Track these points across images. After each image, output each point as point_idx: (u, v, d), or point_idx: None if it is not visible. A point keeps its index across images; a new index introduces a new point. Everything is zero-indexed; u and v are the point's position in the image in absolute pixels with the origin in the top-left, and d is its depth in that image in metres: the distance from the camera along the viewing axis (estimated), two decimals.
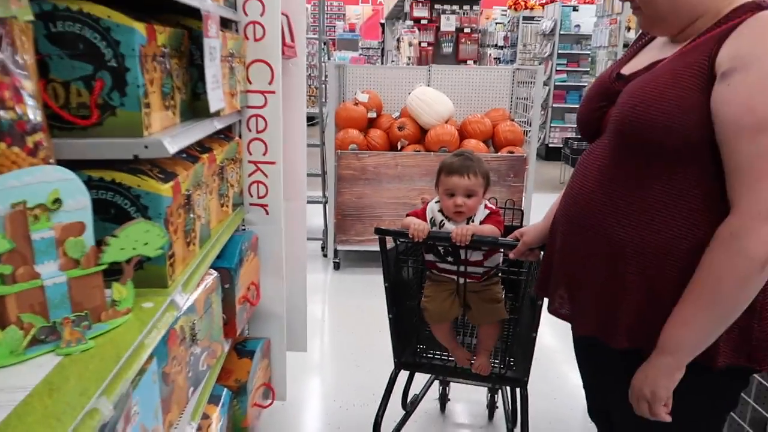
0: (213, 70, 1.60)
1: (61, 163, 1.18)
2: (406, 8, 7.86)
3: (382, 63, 13.64)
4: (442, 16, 7.12)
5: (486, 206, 1.98)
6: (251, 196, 2.22)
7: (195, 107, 1.69)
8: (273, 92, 2.13)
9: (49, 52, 1.23)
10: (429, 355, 2.20)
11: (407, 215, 2.01)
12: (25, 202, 1.10)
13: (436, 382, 2.81)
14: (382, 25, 13.86)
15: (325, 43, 4.97)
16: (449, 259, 1.97)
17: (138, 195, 1.33)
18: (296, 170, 2.52)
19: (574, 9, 9.47)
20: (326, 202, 4.79)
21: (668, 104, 1.11)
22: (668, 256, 1.16)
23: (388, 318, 2.17)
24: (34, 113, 1.16)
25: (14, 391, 0.97)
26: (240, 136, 2.17)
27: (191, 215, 1.57)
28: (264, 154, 2.18)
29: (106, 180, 1.32)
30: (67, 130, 1.27)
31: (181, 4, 1.46)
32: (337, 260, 4.59)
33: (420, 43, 7.11)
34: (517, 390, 2.21)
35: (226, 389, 1.95)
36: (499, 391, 2.73)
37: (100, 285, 1.20)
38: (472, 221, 1.95)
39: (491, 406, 2.79)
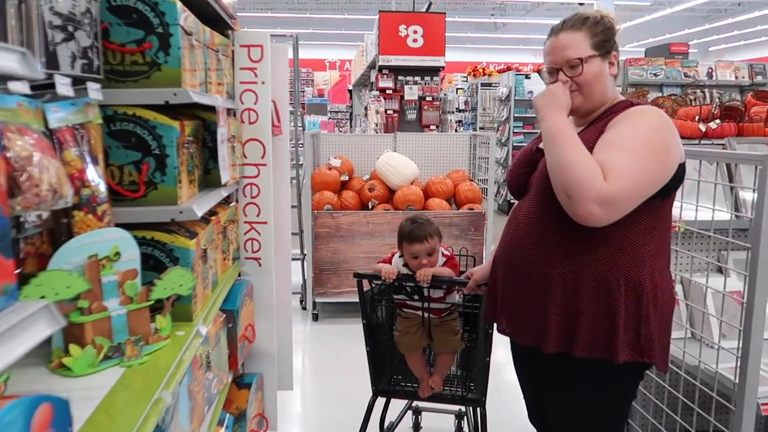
0: (223, 151, 2.05)
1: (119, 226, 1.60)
2: (372, 78, 8.53)
3: (350, 126, 14.28)
4: (406, 86, 7.78)
5: (443, 254, 2.43)
6: (246, 251, 2.64)
7: (207, 180, 2.12)
8: (265, 164, 2.58)
9: (108, 145, 1.67)
10: (401, 384, 2.59)
11: (378, 263, 2.45)
12: (96, 254, 1.51)
13: (410, 413, 3.17)
14: (350, 91, 14.60)
15: (299, 111, 5.49)
16: (416, 297, 2.39)
17: (171, 249, 1.74)
18: (282, 229, 2.95)
19: (527, 77, 10.34)
20: (304, 258, 5.19)
21: None
22: (584, 279, 1.61)
23: (366, 351, 2.57)
24: (102, 190, 1.58)
25: (98, 389, 1.34)
26: (237, 201, 2.60)
27: (207, 265, 1.98)
28: (257, 215, 2.61)
29: (147, 238, 1.73)
30: (120, 201, 1.69)
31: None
32: (315, 312, 4.95)
33: (386, 110, 7.73)
34: (478, 409, 2.60)
35: (229, 414, 2.30)
36: (465, 418, 3.11)
37: (148, 317, 1.60)
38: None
39: (458, 431, 3.16)
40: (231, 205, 2.50)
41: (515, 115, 10.28)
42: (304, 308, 5.20)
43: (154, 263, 1.74)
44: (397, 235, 2.39)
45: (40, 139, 1.19)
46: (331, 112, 16.10)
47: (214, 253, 2.12)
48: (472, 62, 17.77)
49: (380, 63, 7.65)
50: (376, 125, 7.67)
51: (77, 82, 1.51)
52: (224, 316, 2.19)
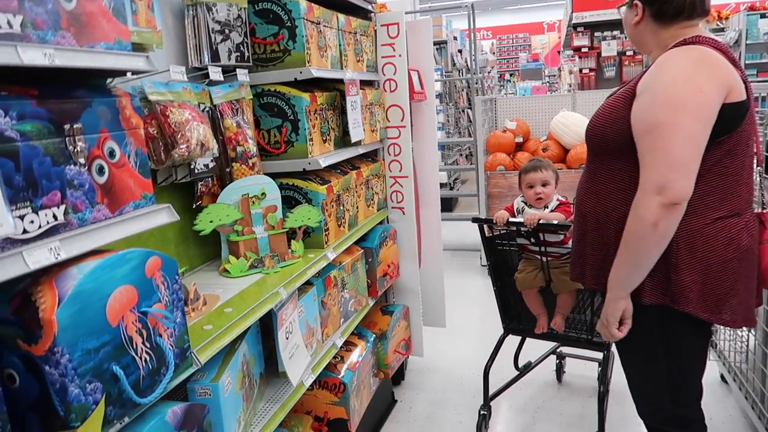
0: (354, 115, 2.53)
1: (267, 174, 2.18)
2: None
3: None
4: (603, 43, 7.46)
5: (558, 199, 2.61)
6: (392, 201, 3.11)
7: (346, 140, 2.62)
8: (404, 126, 3.00)
9: (259, 114, 2.25)
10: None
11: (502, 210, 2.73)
12: (248, 194, 2.10)
13: (553, 357, 3.36)
14: (559, 53, 14.14)
15: (478, 80, 5.75)
16: (531, 240, 2.62)
17: (306, 192, 2.28)
18: (429, 184, 3.35)
19: (762, 16, 8.98)
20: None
21: (605, 118, 1.71)
22: (608, 220, 1.72)
23: (493, 290, 2.86)
24: (252, 147, 2.16)
25: (243, 285, 1.93)
26: (383, 159, 3.07)
27: (341, 208, 2.48)
28: (400, 171, 3.05)
29: (289, 184, 2.29)
30: (268, 156, 2.27)
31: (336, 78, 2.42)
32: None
33: (581, 70, 7.53)
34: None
35: (371, 333, 2.82)
36: (609, 368, 3.20)
37: (284, 240, 2.16)
38: (547, 209, 2.59)
39: (601, 379, 3.26)
40: (377, 162, 2.99)
41: (746, 61, 9.04)
42: (483, 265, 5.55)
43: (294, 203, 2.30)
44: (518, 175, 2.67)
45: (194, 111, 1.78)
46: (548, 76, 15.54)
47: (352, 198, 2.62)
48: None
49: (574, 21, 7.46)
50: (570, 86, 7.52)
51: (233, 70, 2.10)
52: (362, 251, 2.69)
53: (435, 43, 9.30)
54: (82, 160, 1.13)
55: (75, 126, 1.12)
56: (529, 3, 24.37)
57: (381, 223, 3.05)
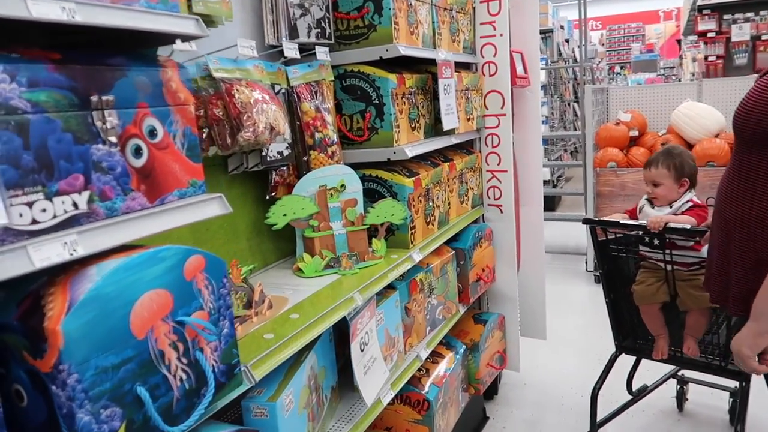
0: (447, 101, 2.25)
1: (347, 164, 1.96)
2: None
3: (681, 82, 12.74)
4: (734, 26, 6.63)
5: (691, 200, 2.19)
6: (489, 198, 2.80)
7: (437, 129, 2.35)
8: (504, 115, 2.68)
9: (341, 98, 2.03)
10: (652, 343, 2.42)
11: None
12: (326, 185, 1.89)
13: (673, 381, 2.91)
14: (679, 41, 13.00)
15: (587, 70, 5.27)
16: (655, 241, 2.22)
17: (391, 185, 2.04)
18: (531, 180, 3.00)
19: None
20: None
21: (762, 101, 1.34)
22: (762, 226, 1.35)
23: (605, 302, 2.49)
24: (332, 134, 1.95)
25: (316, 287, 1.72)
26: (480, 151, 2.77)
27: (430, 203, 2.22)
28: (498, 164, 2.74)
29: (372, 175, 2.06)
30: (350, 144, 2.05)
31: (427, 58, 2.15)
32: (597, 273, 4.78)
33: (706, 57, 6.74)
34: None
35: (461, 343, 2.54)
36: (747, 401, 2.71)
37: (364, 238, 1.93)
38: (669, 209, 2.19)
39: (733, 412, 2.77)
40: (472, 154, 2.69)
41: None
42: (589, 270, 5.07)
43: (377, 196, 2.06)
44: None
45: (266, 91, 1.59)
46: (664, 68, 14.37)
47: (443, 194, 2.35)
48: None
49: (699, 2, 6.69)
50: (692, 75, 6.76)
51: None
52: (453, 252, 2.41)
53: (540, 32, 8.78)
54: (113, 139, 0.95)
55: (105, 98, 0.94)
56: None
57: (476, 221, 2.76)
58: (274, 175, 1.87)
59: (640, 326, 2.45)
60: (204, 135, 1.54)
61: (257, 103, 1.52)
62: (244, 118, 1.48)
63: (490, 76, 2.68)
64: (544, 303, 3.17)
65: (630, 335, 2.49)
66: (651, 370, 2.71)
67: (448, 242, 2.47)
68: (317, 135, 1.91)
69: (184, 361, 1.00)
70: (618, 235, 2.39)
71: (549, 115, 7.73)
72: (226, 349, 1.10)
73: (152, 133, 1.03)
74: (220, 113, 1.50)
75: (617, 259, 2.43)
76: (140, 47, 1.14)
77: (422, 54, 2.09)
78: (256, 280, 1.82)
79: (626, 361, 2.54)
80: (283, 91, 1.82)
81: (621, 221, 2.19)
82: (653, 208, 2.24)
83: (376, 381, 1.72)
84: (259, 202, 1.90)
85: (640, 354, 2.52)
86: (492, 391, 3.04)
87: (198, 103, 1.52)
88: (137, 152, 1.00)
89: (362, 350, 1.68)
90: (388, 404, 2.15)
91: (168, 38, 1.13)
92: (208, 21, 1.55)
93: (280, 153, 1.80)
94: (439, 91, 2.19)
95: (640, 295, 2.30)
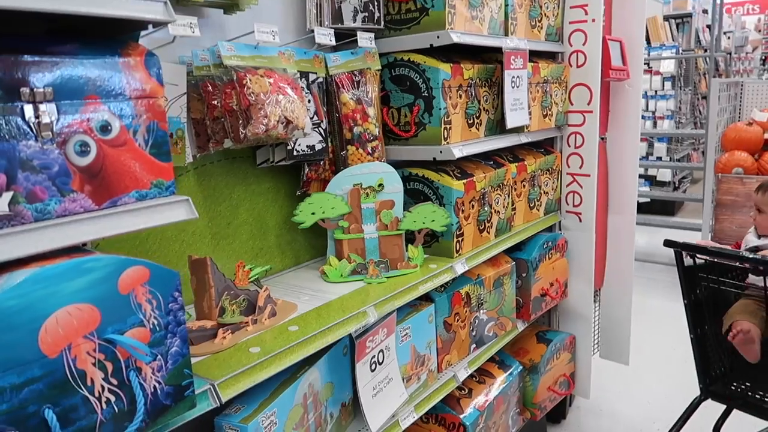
0: (515, 95, 2.00)
1: (392, 161, 1.80)
2: None
3: None
4: None
5: None
6: (567, 204, 2.50)
7: (504, 125, 2.10)
8: (591, 112, 2.36)
9: (390, 89, 1.86)
10: (752, 394, 2.04)
11: None
12: (361, 184, 1.74)
13: None
14: None
15: (715, 60, 4.63)
16: (760, 268, 1.85)
17: (437, 187, 1.85)
18: (624, 185, 2.65)
19: None
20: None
21: None
22: None
23: (690, 339, 2.14)
24: (373, 129, 1.79)
25: (336, 294, 1.59)
26: (561, 151, 2.48)
27: (486, 208, 2.00)
28: (580, 167, 2.43)
29: (418, 175, 1.88)
30: (396, 139, 1.88)
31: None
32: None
33: None
34: None
35: (518, 363, 2.30)
36: None
37: (399, 244, 1.76)
38: None
39: None
40: (551, 154, 2.41)
41: None
42: None
43: (422, 198, 1.88)
44: None
45: (286, 81, 1.46)
46: None
47: (505, 198, 2.11)
48: None
49: None
50: None
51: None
52: (513, 263, 2.17)
53: (676, 17, 7.91)
54: (47, 134, 0.87)
55: (39, 89, 0.85)
56: None
57: (550, 230, 2.48)
58: (306, 170, 1.76)
59: (734, 368, 2.08)
60: (218, 126, 1.45)
61: (271, 94, 1.39)
62: (255, 110, 1.36)
63: (578, 67, 2.36)
64: (629, 325, 2.81)
65: (719, 379, 2.12)
66: (743, 420, 2.30)
67: (509, 251, 2.23)
68: (356, 129, 1.76)
69: (114, 381, 0.91)
70: (711, 262, 2.02)
71: (675, 110, 6.96)
72: (174, 369, 0.99)
73: (104, 128, 0.94)
74: (233, 104, 1.40)
75: (708, 288, 2.07)
76: (119, 34, 1.06)
77: (484, 42, 1.86)
78: (279, 281, 1.73)
79: (714, 407, 2.17)
80: (320, 80, 1.69)
81: (710, 248, 1.83)
82: (759, 237, 1.86)
83: (387, 404, 1.56)
84: (292, 197, 1.80)
85: (730, 403, 2.15)
86: (558, 414, 2.76)
87: (213, 93, 1.43)
88: (83, 150, 0.91)
89: (373, 369, 1.52)
90: (422, 421, 1.99)
91: (138, 24, 1.03)
92: (233, 5, 1.46)
93: (311, 147, 1.68)
94: (505, 84, 1.94)
95: (733, 311, 1.94)
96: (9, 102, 0.83)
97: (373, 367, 1.53)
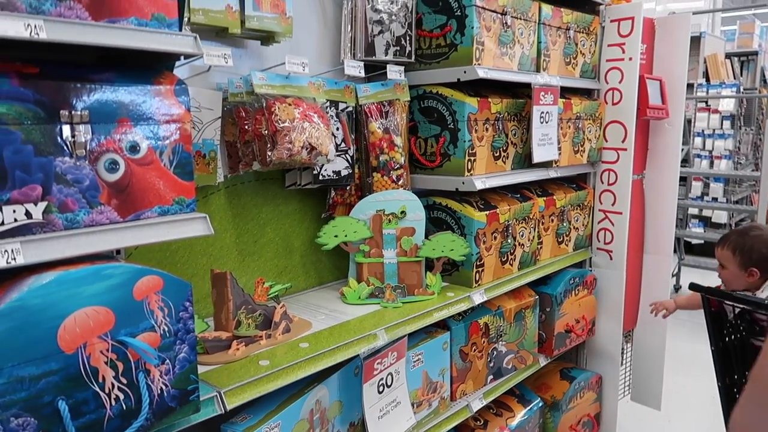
0: (544, 130, 2.03)
1: (417, 189, 1.86)
2: None
3: None
4: None
5: None
6: (599, 241, 2.48)
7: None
8: (625, 149, 2.36)
9: (418, 120, 1.93)
10: None
11: None
12: (383, 210, 1.80)
13: None
14: None
15: None
16: None
17: (460, 217, 1.89)
18: (661, 225, 2.61)
19: None
20: None
21: None
22: None
23: (718, 388, 2.08)
24: (399, 157, 1.86)
25: (350, 315, 1.64)
26: (593, 187, 2.47)
27: (510, 241, 2.02)
28: (612, 204, 2.42)
29: (442, 204, 1.92)
30: (422, 169, 1.93)
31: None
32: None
33: None
34: None
35: (540, 399, 2.28)
36: None
37: (418, 271, 1.81)
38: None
39: None
40: (582, 190, 2.41)
41: None
42: None
43: (445, 227, 1.92)
44: None
45: (314, 109, 1.55)
46: None
47: (530, 231, 2.12)
48: None
49: None
50: None
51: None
52: (536, 297, 2.17)
53: (741, 54, 7.70)
54: (81, 152, 0.97)
55: (76, 112, 0.96)
56: None
57: (580, 266, 2.46)
58: (332, 194, 1.83)
59: None
60: (248, 150, 1.55)
61: (298, 121, 1.48)
62: (281, 136, 1.45)
63: (614, 104, 2.37)
64: (662, 366, 2.73)
65: None
66: None
67: (535, 284, 2.23)
68: (382, 157, 1.83)
69: (123, 381, 0.99)
70: (741, 308, 1.97)
71: (734, 150, 6.74)
72: (181, 373, 1.07)
73: (133, 148, 1.04)
74: (263, 129, 1.49)
75: (736, 336, 2.01)
76: (156, 63, 1.16)
77: (511, 77, 1.90)
78: (300, 299, 1.80)
79: None
80: (350, 109, 1.77)
81: (735, 294, 1.79)
82: None
83: (394, 427, 1.59)
84: (318, 219, 1.87)
85: None
86: None
87: (245, 118, 1.53)
88: (112, 167, 1.01)
89: (380, 392, 1.56)
90: None
91: (171, 56, 1.14)
92: (266, 37, 1.57)
93: (337, 172, 1.75)
94: (533, 119, 1.98)
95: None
96: (50, 123, 0.94)
97: (381, 389, 1.57)
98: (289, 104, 1.49)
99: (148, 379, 1.02)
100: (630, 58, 2.29)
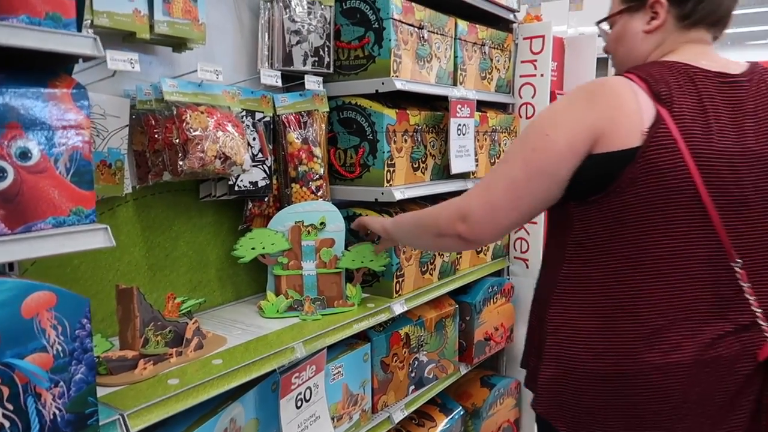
0: (461, 141, 2.07)
1: (336, 200, 1.84)
2: None
3: None
4: None
5: None
6: (515, 250, 2.56)
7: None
8: None
9: (337, 131, 1.92)
10: None
11: None
12: (302, 221, 1.78)
13: None
14: None
15: None
16: None
17: None
18: None
19: None
20: None
21: None
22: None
23: None
24: (318, 168, 1.84)
25: (269, 329, 1.60)
26: None
27: (429, 253, 2.04)
28: None
29: (358, 214, 1.92)
30: (342, 180, 1.92)
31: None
32: None
33: None
34: None
35: (461, 407, 2.31)
36: None
37: (338, 282, 1.79)
38: None
39: None
40: None
41: None
42: None
43: (362, 239, 1.92)
44: None
45: (228, 118, 1.51)
46: None
47: None
48: None
49: None
50: None
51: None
52: (456, 306, 2.20)
53: None
54: None
55: None
56: None
57: (498, 274, 2.52)
58: (250, 205, 1.79)
59: None
60: (158, 159, 1.48)
61: (211, 130, 1.44)
62: (193, 144, 1.40)
63: (527, 118, 2.46)
64: None
65: None
66: None
67: (455, 294, 2.26)
68: (301, 168, 1.80)
69: (9, 407, 0.91)
70: None
71: None
72: (77, 396, 1.00)
73: (24, 155, 0.97)
74: (174, 138, 1.43)
75: None
76: (54, 66, 1.09)
77: (429, 90, 1.94)
78: (216, 314, 1.74)
79: None
80: (267, 119, 1.74)
81: None
82: None
83: None
84: (235, 231, 1.82)
85: None
86: None
87: (155, 126, 1.47)
88: (0, 174, 0.94)
89: (298, 407, 1.53)
90: None
91: (69, 58, 1.07)
92: (176, 43, 1.51)
93: (254, 183, 1.71)
94: (451, 131, 2.02)
95: None
96: None
97: (299, 404, 1.53)
98: (202, 112, 1.45)
99: (39, 404, 0.94)
100: (542, 75, 2.40)
